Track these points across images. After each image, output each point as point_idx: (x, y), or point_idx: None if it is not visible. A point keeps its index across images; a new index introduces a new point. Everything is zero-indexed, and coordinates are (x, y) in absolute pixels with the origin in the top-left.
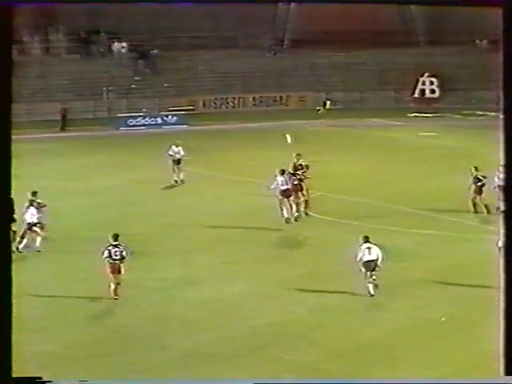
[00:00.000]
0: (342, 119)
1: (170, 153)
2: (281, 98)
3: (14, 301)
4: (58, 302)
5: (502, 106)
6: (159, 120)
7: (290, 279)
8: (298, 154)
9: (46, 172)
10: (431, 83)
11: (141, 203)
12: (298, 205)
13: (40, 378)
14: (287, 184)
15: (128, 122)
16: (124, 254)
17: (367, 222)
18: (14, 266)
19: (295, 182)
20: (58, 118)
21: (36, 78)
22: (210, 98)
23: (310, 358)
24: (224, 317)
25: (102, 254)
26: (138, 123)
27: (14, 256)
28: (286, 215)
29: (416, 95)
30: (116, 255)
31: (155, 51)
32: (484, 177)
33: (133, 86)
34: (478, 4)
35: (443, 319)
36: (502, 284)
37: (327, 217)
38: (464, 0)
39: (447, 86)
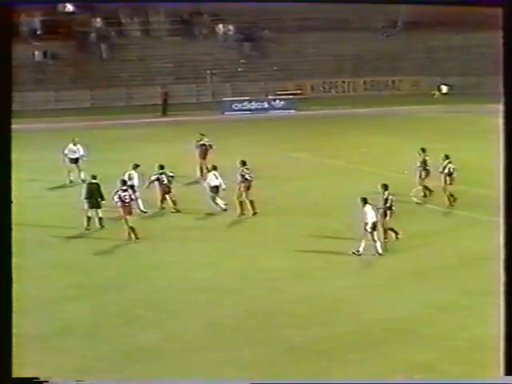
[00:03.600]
0: (459, 105)
1: (66, 152)
2: (393, 82)
3: (114, 291)
4: (158, 293)
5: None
6: (266, 104)
7: (401, 273)
8: (201, 134)
9: (140, 157)
10: None
11: None
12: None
13: (37, 378)
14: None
15: (233, 106)
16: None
17: (485, 214)
18: (117, 255)
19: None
20: (159, 102)
21: (136, 61)
22: (319, 82)
23: (423, 357)
24: (333, 312)
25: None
26: (244, 107)
27: (118, 245)
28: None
29: None
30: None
31: (262, 33)
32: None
33: (239, 69)
34: (478, 4)
35: None
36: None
37: (442, 208)
38: (464, 0)
39: None
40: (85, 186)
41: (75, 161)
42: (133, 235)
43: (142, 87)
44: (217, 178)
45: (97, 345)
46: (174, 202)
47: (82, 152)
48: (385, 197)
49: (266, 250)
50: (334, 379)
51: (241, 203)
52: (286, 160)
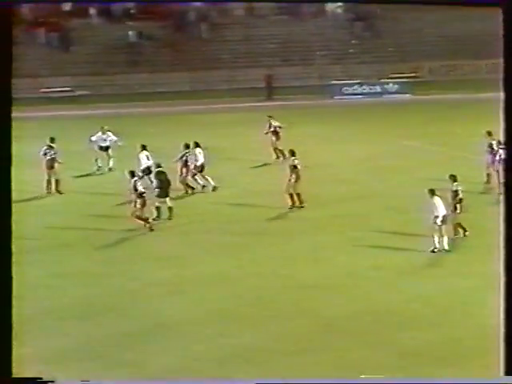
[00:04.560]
0: None
1: (93, 139)
2: None
3: (214, 287)
4: (260, 289)
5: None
6: (378, 88)
7: None
8: (269, 116)
9: (241, 143)
10: None
11: (356, 181)
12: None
13: (40, 378)
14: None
15: (343, 89)
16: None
17: None
18: (213, 249)
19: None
20: (263, 85)
21: (239, 41)
22: (437, 65)
23: None
24: (450, 313)
25: None
26: (355, 91)
27: (210, 238)
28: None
29: None
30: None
31: (375, 12)
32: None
33: (350, 50)
34: (478, 4)
35: None
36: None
37: None
38: (464, 0)
39: None
40: (154, 175)
41: (106, 149)
42: (147, 224)
43: (245, 69)
44: (201, 156)
45: (195, 345)
46: (188, 186)
47: (113, 138)
48: (454, 189)
49: (374, 246)
50: (340, 379)
51: (291, 195)
52: (400, 148)
